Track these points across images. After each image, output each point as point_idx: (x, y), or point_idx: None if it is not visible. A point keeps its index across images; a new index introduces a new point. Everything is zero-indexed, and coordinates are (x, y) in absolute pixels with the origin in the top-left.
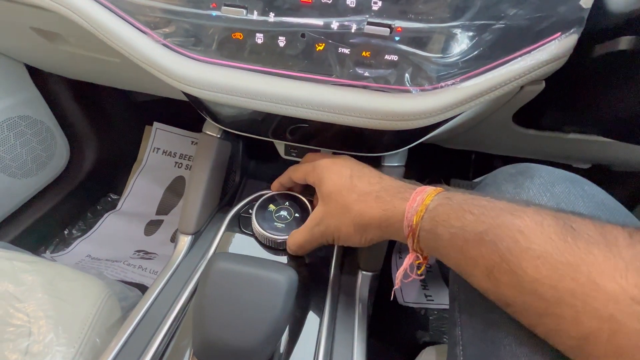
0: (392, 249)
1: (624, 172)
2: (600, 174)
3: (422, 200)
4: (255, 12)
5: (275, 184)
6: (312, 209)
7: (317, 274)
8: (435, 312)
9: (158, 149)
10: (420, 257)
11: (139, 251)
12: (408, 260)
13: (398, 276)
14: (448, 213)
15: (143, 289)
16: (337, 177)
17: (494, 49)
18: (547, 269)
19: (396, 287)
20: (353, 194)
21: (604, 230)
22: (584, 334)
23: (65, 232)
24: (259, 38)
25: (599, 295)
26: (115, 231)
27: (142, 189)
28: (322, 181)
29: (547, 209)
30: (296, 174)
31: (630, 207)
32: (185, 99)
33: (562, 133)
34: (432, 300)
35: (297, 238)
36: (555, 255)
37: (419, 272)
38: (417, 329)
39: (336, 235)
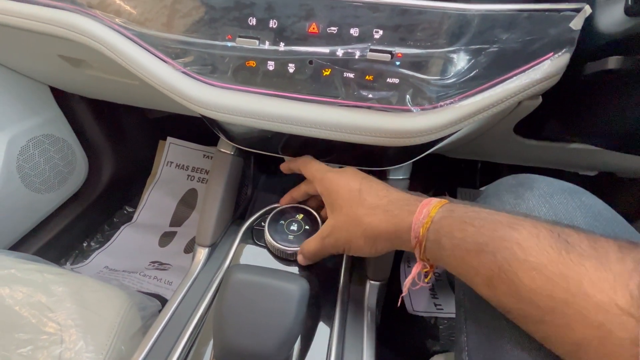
0: (401, 258)
1: (630, 179)
2: (606, 181)
3: (427, 213)
4: (267, 42)
5: (287, 198)
6: (320, 220)
7: (327, 283)
8: (445, 321)
9: (171, 162)
10: (427, 265)
11: (153, 262)
12: (416, 269)
13: (406, 284)
14: (451, 225)
15: (159, 298)
16: (346, 191)
17: (490, 70)
18: (542, 279)
19: (404, 294)
20: (362, 208)
21: (596, 244)
22: (577, 340)
23: (84, 244)
24: (271, 65)
25: (589, 305)
26: (131, 243)
27: (156, 202)
28: (331, 194)
29: (543, 222)
30: (301, 189)
31: (638, 212)
32: (196, 114)
33: (563, 143)
34: (442, 309)
35: (310, 247)
36: (550, 267)
37: (426, 280)
38: (427, 338)
39: (347, 247)
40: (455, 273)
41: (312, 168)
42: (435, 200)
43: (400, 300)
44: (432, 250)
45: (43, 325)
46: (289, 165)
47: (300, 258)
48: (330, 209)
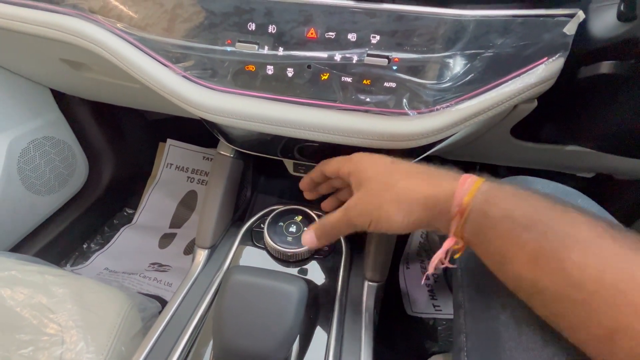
0: (399, 260)
1: (627, 181)
2: (604, 183)
3: (472, 182)
4: (266, 47)
5: (306, 179)
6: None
7: (326, 284)
8: (444, 322)
9: (171, 164)
10: (459, 242)
11: (153, 264)
12: (447, 244)
13: (433, 261)
14: (500, 196)
15: (159, 300)
16: (378, 161)
17: (485, 74)
18: (595, 261)
19: (430, 272)
20: (396, 174)
21: None
22: (617, 326)
23: (84, 246)
24: (270, 69)
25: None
26: (131, 244)
27: (156, 203)
28: (359, 168)
29: (592, 212)
30: (328, 166)
31: (635, 214)
32: (196, 117)
33: (560, 145)
34: (441, 310)
35: (330, 220)
36: (605, 250)
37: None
38: (426, 339)
39: (375, 217)
40: (491, 249)
41: (333, 160)
42: (475, 176)
43: (423, 278)
44: (475, 222)
45: (44, 326)
46: (310, 182)
47: (309, 236)
48: (357, 187)
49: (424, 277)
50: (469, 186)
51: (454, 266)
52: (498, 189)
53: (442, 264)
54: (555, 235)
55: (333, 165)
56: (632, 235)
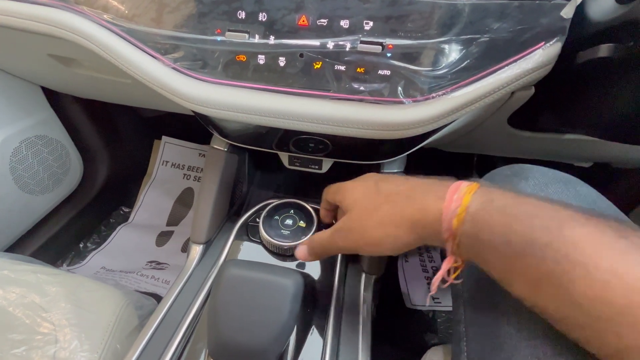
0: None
1: (624, 170)
2: (602, 172)
3: (460, 200)
4: (257, 36)
5: (322, 212)
6: (316, 216)
7: (323, 277)
8: (443, 315)
9: (167, 162)
10: (458, 260)
11: (151, 262)
12: (446, 264)
13: (435, 282)
14: (491, 218)
15: (157, 298)
16: (362, 185)
17: (481, 60)
18: (600, 286)
19: (432, 293)
20: (380, 197)
21: None
22: (623, 348)
23: (81, 245)
24: (261, 59)
25: None
26: (128, 243)
27: (152, 201)
28: (345, 194)
29: (596, 216)
30: (327, 196)
31: (633, 203)
32: (191, 113)
33: (558, 134)
34: (440, 302)
35: (318, 238)
36: (607, 269)
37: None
38: (426, 331)
39: (361, 241)
40: (492, 271)
41: (331, 187)
42: (464, 185)
43: (428, 298)
44: (468, 246)
45: (37, 325)
46: (325, 212)
47: (302, 250)
48: (345, 208)
49: (428, 298)
50: (456, 206)
51: (459, 282)
52: (488, 207)
53: (445, 282)
54: (555, 260)
55: (329, 195)
56: (635, 235)
